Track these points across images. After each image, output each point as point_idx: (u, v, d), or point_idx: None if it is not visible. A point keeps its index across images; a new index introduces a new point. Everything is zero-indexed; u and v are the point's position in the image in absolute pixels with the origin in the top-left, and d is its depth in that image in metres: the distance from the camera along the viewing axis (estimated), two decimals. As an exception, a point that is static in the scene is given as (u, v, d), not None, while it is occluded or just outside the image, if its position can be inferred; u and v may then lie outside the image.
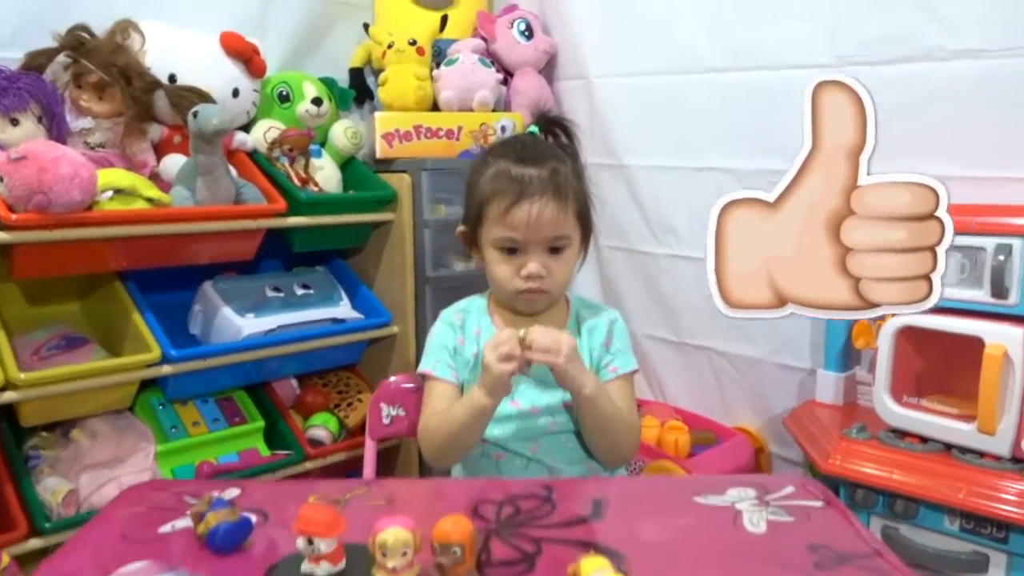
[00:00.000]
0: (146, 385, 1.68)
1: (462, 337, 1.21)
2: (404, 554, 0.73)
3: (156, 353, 1.54)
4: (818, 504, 0.91)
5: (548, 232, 1.11)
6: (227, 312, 1.72)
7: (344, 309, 1.89)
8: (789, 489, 0.95)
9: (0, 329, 1.45)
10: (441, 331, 1.23)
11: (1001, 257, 1.28)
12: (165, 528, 0.84)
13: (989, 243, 1.30)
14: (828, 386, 1.63)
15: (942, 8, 1.48)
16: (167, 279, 1.76)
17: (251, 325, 1.71)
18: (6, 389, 1.39)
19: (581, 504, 0.91)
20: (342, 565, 0.75)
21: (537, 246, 1.11)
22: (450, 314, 1.25)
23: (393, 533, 0.72)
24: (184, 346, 1.62)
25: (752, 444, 1.81)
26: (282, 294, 1.84)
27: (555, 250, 1.13)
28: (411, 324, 1.96)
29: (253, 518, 0.83)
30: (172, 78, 1.70)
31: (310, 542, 0.74)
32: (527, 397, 1.16)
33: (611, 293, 2.12)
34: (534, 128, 1.24)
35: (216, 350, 1.66)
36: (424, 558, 0.74)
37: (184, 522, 0.85)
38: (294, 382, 1.97)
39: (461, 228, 1.22)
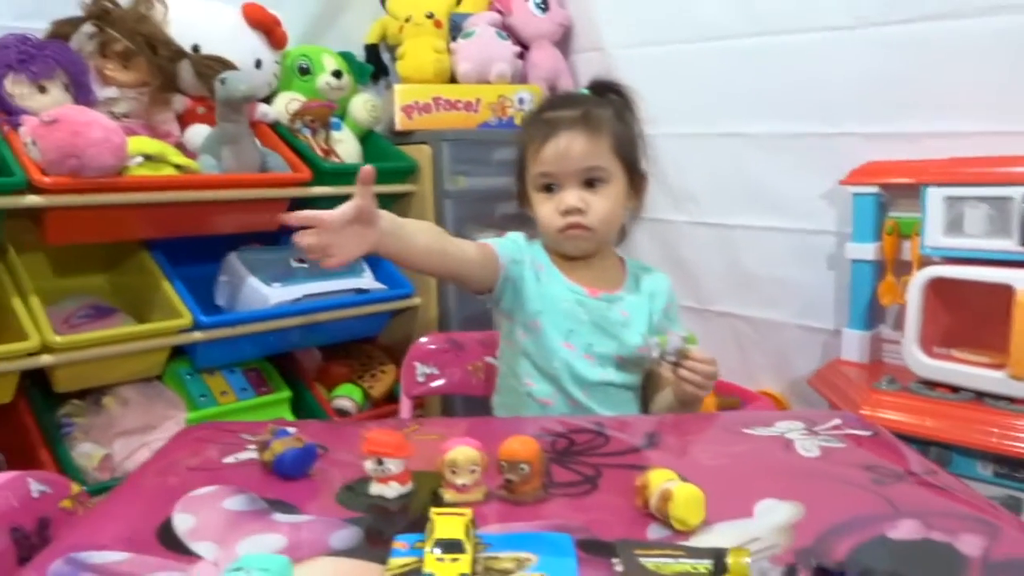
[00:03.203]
0: (175, 355, 1.69)
1: (531, 257, 1.17)
2: (472, 472, 0.74)
3: (188, 319, 1.55)
4: (867, 433, 0.92)
5: (578, 163, 1.11)
6: (254, 282, 1.73)
7: (367, 280, 1.90)
8: (836, 421, 0.96)
9: (34, 295, 1.46)
10: (509, 241, 1.17)
11: (1029, 206, 1.30)
12: (229, 459, 0.85)
13: (1017, 192, 1.32)
14: (853, 344, 1.65)
15: (964, -35, 1.49)
16: (190, 252, 1.77)
17: (278, 294, 1.72)
18: (42, 353, 1.40)
19: (633, 436, 0.92)
20: (410, 486, 0.77)
21: (571, 180, 1.12)
22: (519, 237, 1.19)
23: (463, 451, 0.74)
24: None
25: (776, 407, 1.83)
26: (306, 265, 1.84)
27: (592, 184, 1.12)
28: (433, 295, 1.97)
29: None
30: (195, 48, 1.71)
31: (379, 463, 0.75)
32: (582, 341, 1.14)
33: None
34: (585, 90, 1.23)
35: (246, 317, 1.67)
36: (489, 480, 0.75)
37: (247, 455, 0.86)
38: (318, 354, 1.98)
39: (516, 185, 1.23)
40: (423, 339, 1.42)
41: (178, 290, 1.61)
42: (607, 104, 1.17)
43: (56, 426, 1.55)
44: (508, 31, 2.15)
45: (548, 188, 1.14)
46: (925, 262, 1.47)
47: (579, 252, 1.17)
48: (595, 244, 1.17)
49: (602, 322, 1.15)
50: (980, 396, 1.34)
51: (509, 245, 1.16)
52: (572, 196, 1.12)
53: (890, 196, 1.61)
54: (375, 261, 1.98)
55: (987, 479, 1.29)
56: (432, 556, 0.59)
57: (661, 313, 1.19)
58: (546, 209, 1.14)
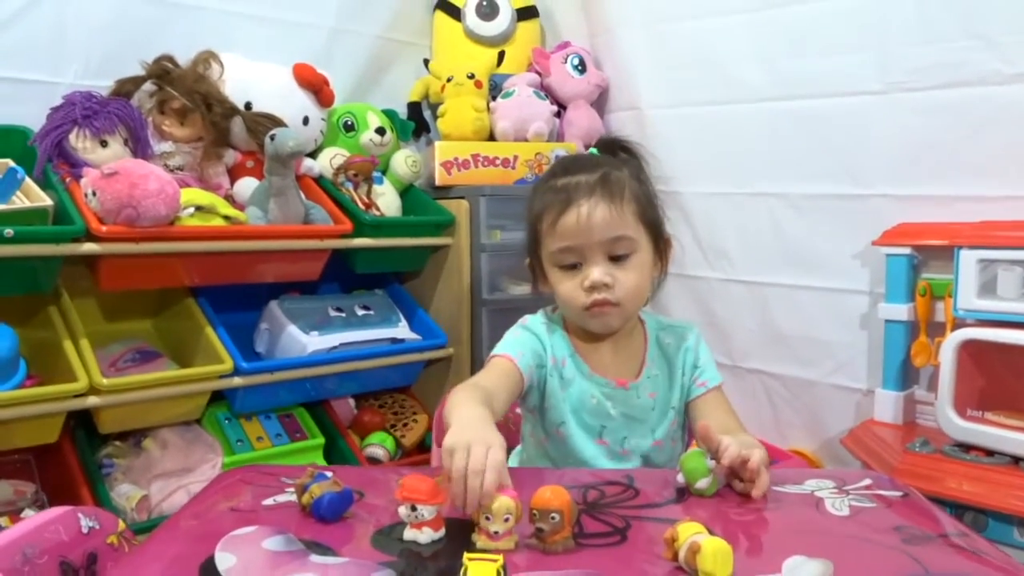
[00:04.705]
0: (213, 400, 1.73)
1: (553, 358, 1.11)
2: (506, 520, 0.75)
3: (229, 365, 1.60)
4: (898, 494, 0.92)
5: (602, 234, 1.02)
6: (293, 330, 1.78)
7: (402, 330, 1.94)
8: (867, 481, 0.96)
9: (84, 338, 1.51)
10: (529, 339, 1.11)
11: (1063, 270, 1.30)
12: (268, 501, 0.88)
13: (1050, 256, 1.32)
14: (887, 405, 1.64)
15: (996, 35, 1.52)
16: (232, 300, 1.83)
17: (316, 342, 1.77)
18: (89, 395, 1.45)
19: (663, 490, 0.93)
20: (442, 532, 0.78)
21: (596, 253, 1.03)
22: (539, 328, 1.12)
23: (498, 499, 0.76)
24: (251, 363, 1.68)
25: (808, 466, 1.81)
26: (344, 314, 1.89)
27: (619, 258, 1.04)
28: (467, 346, 2.00)
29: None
30: (248, 106, 1.80)
31: (413, 508, 0.77)
32: (616, 436, 1.10)
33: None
34: (594, 150, 1.20)
35: (284, 364, 1.72)
36: (520, 530, 0.76)
37: (286, 497, 0.88)
38: (351, 402, 2.02)
39: (527, 260, 1.16)
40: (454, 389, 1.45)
41: (221, 336, 1.66)
42: (622, 165, 1.10)
43: (97, 466, 1.60)
44: (546, 91, 2.22)
45: (568, 264, 1.05)
46: (958, 324, 1.47)
47: (606, 330, 1.10)
48: (623, 320, 1.09)
49: (632, 412, 1.09)
50: (1016, 461, 1.32)
51: (531, 347, 1.08)
52: (597, 271, 1.03)
53: (923, 257, 1.62)
54: (411, 311, 2.02)
55: (1024, 546, 1.27)
56: (465, 600, 0.61)
57: (690, 368, 1.14)
58: (568, 286, 1.05)
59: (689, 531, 0.72)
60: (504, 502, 0.75)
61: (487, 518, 0.75)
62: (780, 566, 0.72)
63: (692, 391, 1.14)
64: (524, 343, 1.10)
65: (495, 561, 0.65)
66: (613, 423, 1.10)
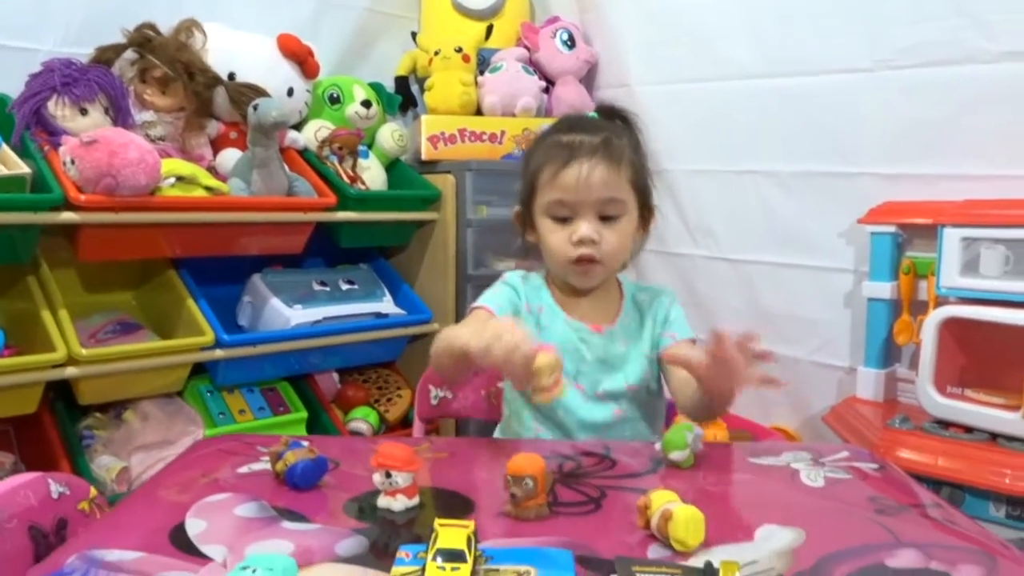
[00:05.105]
0: (195, 373, 1.72)
1: (527, 305, 1.16)
2: (552, 374, 0.86)
3: (210, 337, 1.59)
4: (874, 466, 0.93)
5: (598, 193, 1.07)
6: (276, 303, 1.77)
7: (387, 304, 1.93)
8: (844, 454, 0.96)
9: (63, 309, 1.50)
10: (506, 290, 1.17)
11: (1046, 248, 1.30)
12: (243, 469, 0.87)
13: (1033, 235, 1.32)
14: (869, 382, 1.64)
15: (984, 14, 1.51)
16: (215, 273, 1.81)
17: (299, 315, 1.76)
18: (68, 365, 1.44)
19: (640, 462, 0.93)
20: (417, 500, 0.78)
21: (588, 210, 1.08)
22: (516, 281, 1.18)
23: (540, 357, 0.85)
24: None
25: (789, 443, 1.82)
26: (328, 288, 1.88)
27: (608, 219, 1.09)
28: (451, 322, 1.99)
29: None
30: (231, 76, 1.78)
31: (388, 475, 0.77)
32: (590, 380, 1.12)
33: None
34: (594, 114, 1.23)
35: (266, 337, 1.71)
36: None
37: (260, 465, 0.88)
38: (335, 376, 2.01)
39: (516, 209, 1.19)
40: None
41: (202, 308, 1.65)
42: (623, 133, 1.14)
43: (77, 438, 1.59)
44: (534, 67, 2.20)
45: (560, 216, 1.10)
46: (941, 302, 1.47)
47: (587, 285, 1.14)
48: (603, 277, 1.14)
49: (606, 357, 1.13)
50: (994, 437, 1.33)
51: (507, 297, 1.14)
52: (587, 227, 1.07)
53: (907, 236, 1.62)
54: (395, 286, 2.01)
55: (1000, 521, 1.28)
56: (433, 564, 0.61)
57: (661, 325, 1.16)
58: (557, 238, 1.10)
59: (662, 499, 0.72)
60: (546, 358, 0.85)
61: (534, 376, 0.85)
62: (753, 534, 0.72)
63: (662, 341, 1.16)
64: (501, 294, 1.16)
65: (466, 527, 0.65)
66: (587, 367, 1.13)
